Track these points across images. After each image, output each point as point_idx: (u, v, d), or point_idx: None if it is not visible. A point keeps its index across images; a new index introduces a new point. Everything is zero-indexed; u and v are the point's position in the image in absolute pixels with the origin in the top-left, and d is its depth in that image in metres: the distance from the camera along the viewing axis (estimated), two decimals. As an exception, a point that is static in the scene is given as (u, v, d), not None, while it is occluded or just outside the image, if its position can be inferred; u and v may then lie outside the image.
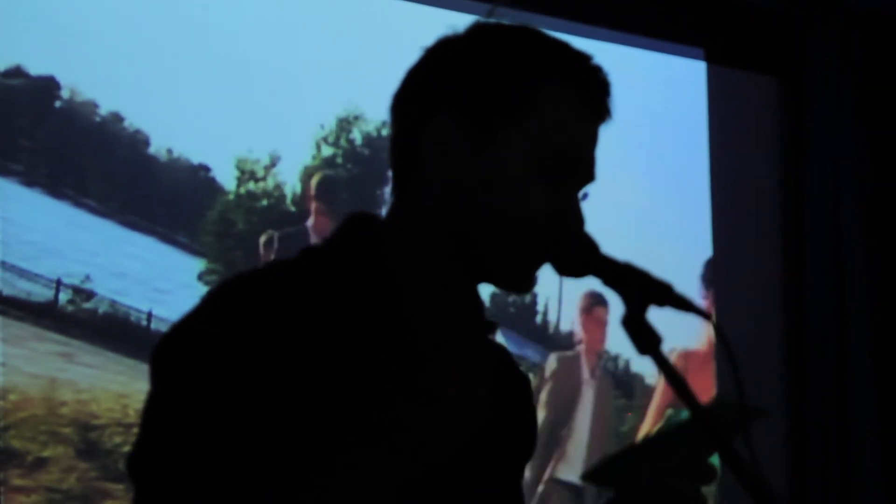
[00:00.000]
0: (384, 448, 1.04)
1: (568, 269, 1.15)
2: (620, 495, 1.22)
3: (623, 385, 3.43)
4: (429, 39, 1.23)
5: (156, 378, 1.09)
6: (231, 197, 2.97)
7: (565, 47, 1.20)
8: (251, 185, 3.00)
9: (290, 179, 3.05)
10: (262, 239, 3.00)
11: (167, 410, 1.06)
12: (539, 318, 3.36)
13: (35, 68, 2.77)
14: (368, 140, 3.15)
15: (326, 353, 1.07)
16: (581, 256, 1.14)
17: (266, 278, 1.12)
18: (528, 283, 1.18)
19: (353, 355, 1.09)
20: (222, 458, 1.02)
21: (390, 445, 1.04)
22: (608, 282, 1.12)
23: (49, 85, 2.80)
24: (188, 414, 1.04)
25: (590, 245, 1.14)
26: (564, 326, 3.37)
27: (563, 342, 3.37)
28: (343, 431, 1.05)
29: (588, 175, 1.20)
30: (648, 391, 3.45)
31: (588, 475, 1.17)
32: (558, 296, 3.35)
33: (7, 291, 2.61)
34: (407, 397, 1.05)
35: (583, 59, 1.19)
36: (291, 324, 1.07)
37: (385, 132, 3.13)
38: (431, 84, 1.20)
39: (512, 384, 1.31)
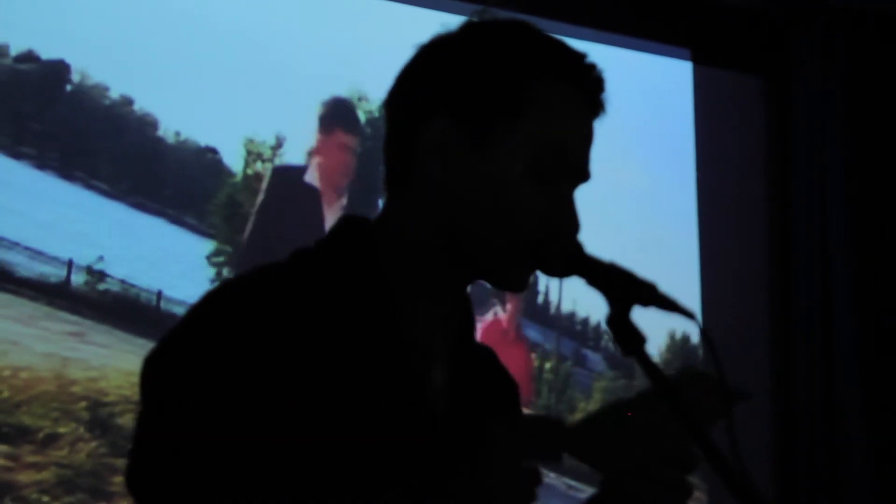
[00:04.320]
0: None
1: (551, 268, 1.15)
2: (607, 485, 1.17)
3: (624, 366, 3.44)
4: (427, 27, 1.21)
5: (146, 393, 1.08)
6: (238, 178, 3.00)
7: (558, 44, 1.18)
8: (258, 167, 3.03)
9: (295, 160, 3.07)
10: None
11: (162, 425, 1.05)
12: (541, 299, 3.38)
13: (46, 52, 2.81)
14: (371, 120, 3.17)
15: (317, 361, 1.06)
16: (564, 256, 1.13)
17: (255, 287, 1.10)
18: (521, 281, 1.17)
19: (344, 364, 1.08)
20: (216, 470, 1.02)
21: None
22: (592, 281, 1.11)
23: (59, 69, 2.82)
24: (184, 427, 1.03)
25: (573, 245, 1.14)
26: (566, 307, 3.40)
27: (564, 323, 3.39)
28: (333, 442, 1.05)
29: (582, 174, 1.18)
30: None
31: (567, 443, 1.12)
32: (560, 277, 3.35)
33: (20, 272, 2.66)
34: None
35: (576, 55, 1.18)
36: (282, 333, 1.06)
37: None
38: (425, 85, 1.18)
39: (498, 389, 1.31)
